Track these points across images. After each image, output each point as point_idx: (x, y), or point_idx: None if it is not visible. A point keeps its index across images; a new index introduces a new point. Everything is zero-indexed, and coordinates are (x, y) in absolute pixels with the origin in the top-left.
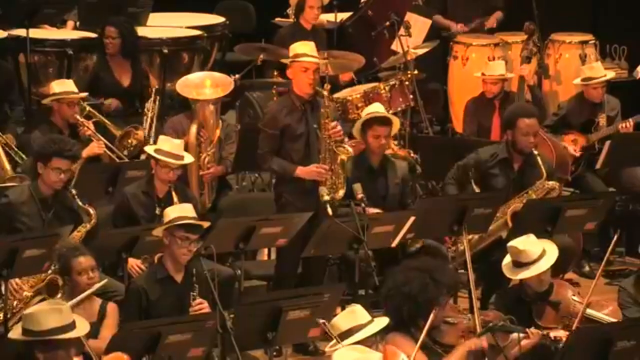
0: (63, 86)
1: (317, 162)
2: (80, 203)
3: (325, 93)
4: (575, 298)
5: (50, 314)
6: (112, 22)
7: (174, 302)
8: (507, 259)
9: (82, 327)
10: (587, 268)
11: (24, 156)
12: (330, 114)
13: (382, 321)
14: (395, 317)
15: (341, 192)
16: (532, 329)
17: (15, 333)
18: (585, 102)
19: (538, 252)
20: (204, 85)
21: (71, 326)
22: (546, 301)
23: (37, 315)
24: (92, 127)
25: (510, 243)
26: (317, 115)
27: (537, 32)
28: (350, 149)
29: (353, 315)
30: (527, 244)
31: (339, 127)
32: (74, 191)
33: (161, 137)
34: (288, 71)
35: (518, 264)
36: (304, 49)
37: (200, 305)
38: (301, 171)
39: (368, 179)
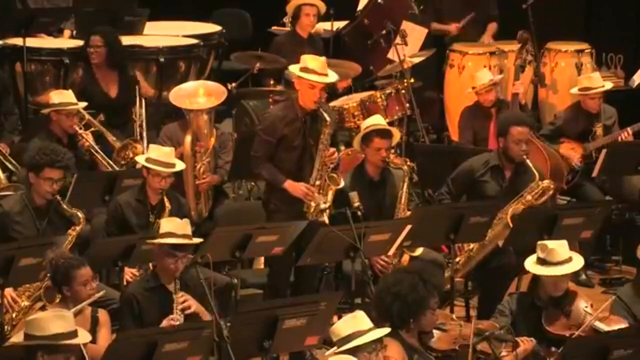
0: (62, 97)
1: (309, 175)
2: (66, 207)
3: (328, 118)
4: (587, 309)
5: (53, 320)
6: (97, 31)
7: (165, 309)
8: (533, 257)
9: (84, 336)
10: (583, 276)
11: (18, 166)
12: (329, 138)
13: (383, 329)
14: (385, 319)
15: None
16: (524, 338)
17: (18, 338)
18: (582, 112)
19: (565, 255)
20: (197, 94)
21: (74, 333)
22: (559, 308)
23: (41, 321)
24: (90, 138)
25: (541, 241)
26: (316, 128)
27: (532, 41)
28: (342, 181)
29: (354, 320)
30: (558, 245)
31: (335, 155)
32: (59, 197)
33: (151, 146)
34: (295, 82)
35: (542, 262)
36: (314, 64)
37: (185, 302)
38: (289, 185)
39: (368, 192)
